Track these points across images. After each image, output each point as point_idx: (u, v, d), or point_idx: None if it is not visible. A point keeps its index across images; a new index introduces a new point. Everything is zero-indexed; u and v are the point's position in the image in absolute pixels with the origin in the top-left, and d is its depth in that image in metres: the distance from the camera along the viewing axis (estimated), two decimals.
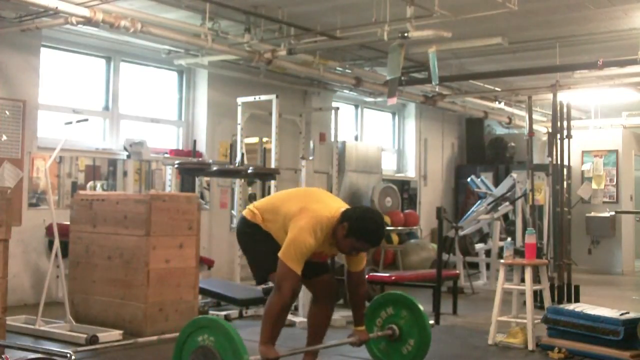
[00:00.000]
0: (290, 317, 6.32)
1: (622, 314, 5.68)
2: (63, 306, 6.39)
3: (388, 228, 11.55)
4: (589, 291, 8.54)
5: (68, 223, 7.05)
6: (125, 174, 8.69)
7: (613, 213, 12.99)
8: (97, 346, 5.63)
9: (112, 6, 7.25)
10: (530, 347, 5.95)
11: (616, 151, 13.62)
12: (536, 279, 6.45)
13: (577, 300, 7.84)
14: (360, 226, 4.37)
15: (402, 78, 9.30)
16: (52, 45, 8.50)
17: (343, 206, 4.57)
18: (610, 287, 10.88)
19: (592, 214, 13.38)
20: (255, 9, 7.97)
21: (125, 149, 8.33)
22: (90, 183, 8.65)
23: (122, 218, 6.45)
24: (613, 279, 12.17)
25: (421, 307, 5.09)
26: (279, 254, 4.30)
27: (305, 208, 4.42)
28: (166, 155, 9.22)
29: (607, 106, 12.87)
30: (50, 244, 7.08)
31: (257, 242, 4.59)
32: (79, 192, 7.34)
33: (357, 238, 4.38)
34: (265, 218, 4.56)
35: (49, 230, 7.31)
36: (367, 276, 7.99)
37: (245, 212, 4.72)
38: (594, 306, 6.20)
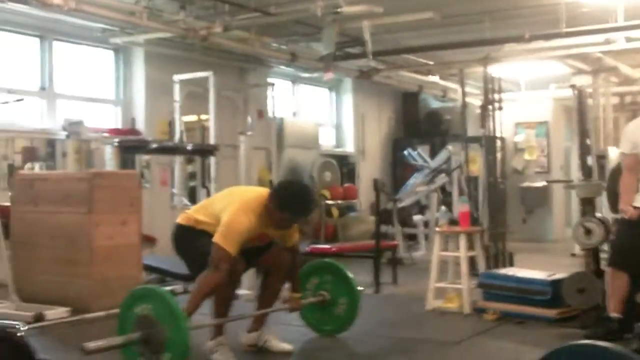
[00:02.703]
0: None
1: (549, 275, 6.00)
2: (7, 287, 6.35)
3: (328, 202, 11.74)
4: (523, 258, 8.81)
5: (7, 204, 7.00)
6: (64, 154, 8.61)
7: (545, 183, 13.40)
8: (44, 323, 5.64)
9: None
10: (466, 310, 6.18)
11: (546, 122, 14.01)
12: (472, 247, 6.69)
13: (511, 266, 8.11)
14: (288, 194, 4.61)
15: (337, 53, 9.44)
16: None
17: (268, 191, 4.75)
18: (542, 254, 11.26)
19: (526, 184, 13.76)
20: None
21: (64, 128, 8.26)
22: (28, 165, 8.54)
23: (65, 197, 6.45)
24: (545, 246, 12.60)
25: (341, 266, 5.29)
26: (213, 239, 4.40)
27: (234, 200, 4.62)
28: (105, 135, 9.16)
29: (537, 79, 13.17)
30: None
31: (191, 240, 4.66)
32: (19, 172, 7.28)
33: (284, 209, 4.54)
34: (198, 220, 4.70)
35: None
36: (308, 249, 8.20)
37: (178, 219, 4.88)
38: (524, 269, 6.50)
